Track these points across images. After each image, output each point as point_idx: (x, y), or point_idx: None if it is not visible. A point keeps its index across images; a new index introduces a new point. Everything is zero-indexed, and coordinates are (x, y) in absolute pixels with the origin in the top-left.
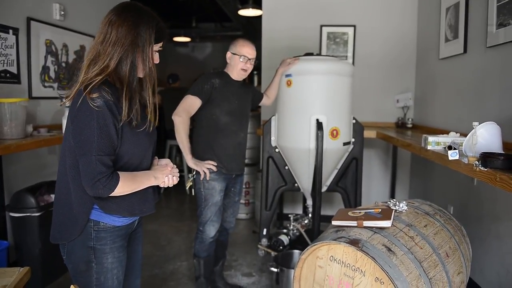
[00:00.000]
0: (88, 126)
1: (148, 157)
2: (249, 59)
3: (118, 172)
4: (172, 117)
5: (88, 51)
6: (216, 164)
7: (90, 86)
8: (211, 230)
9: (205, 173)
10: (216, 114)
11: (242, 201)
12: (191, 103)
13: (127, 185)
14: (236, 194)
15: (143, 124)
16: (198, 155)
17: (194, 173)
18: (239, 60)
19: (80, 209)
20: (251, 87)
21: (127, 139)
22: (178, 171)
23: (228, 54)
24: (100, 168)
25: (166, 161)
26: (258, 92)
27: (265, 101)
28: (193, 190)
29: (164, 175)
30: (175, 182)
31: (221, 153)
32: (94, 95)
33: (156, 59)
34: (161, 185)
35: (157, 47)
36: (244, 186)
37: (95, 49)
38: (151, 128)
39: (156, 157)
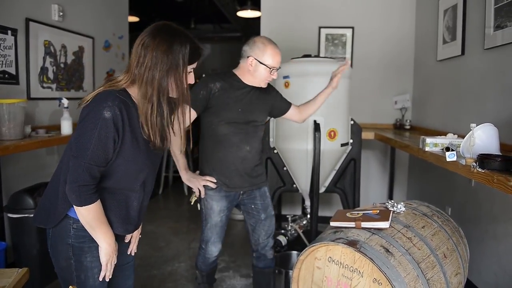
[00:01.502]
0: (89, 133)
1: (140, 180)
2: (277, 69)
3: (98, 200)
4: None
5: (126, 72)
6: (215, 181)
7: (108, 92)
8: (213, 251)
9: (200, 190)
10: (214, 124)
11: None
12: None
13: (91, 215)
14: (260, 211)
15: (159, 146)
16: (200, 168)
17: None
18: (267, 71)
19: (62, 202)
20: (273, 92)
21: (122, 156)
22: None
23: (251, 60)
24: (84, 176)
25: (135, 234)
26: (283, 101)
27: (294, 116)
28: (198, 205)
29: (107, 257)
30: (106, 274)
31: (220, 167)
32: (106, 105)
33: (191, 80)
34: (102, 261)
35: (189, 68)
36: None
37: (131, 71)
38: (166, 144)
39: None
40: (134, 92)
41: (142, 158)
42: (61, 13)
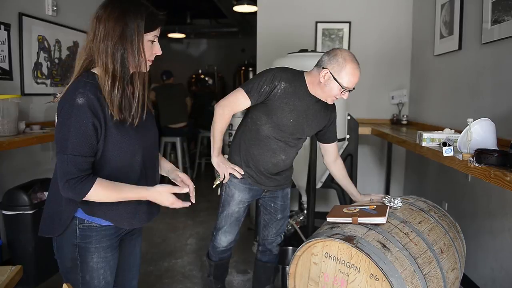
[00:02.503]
0: (66, 124)
1: (139, 162)
2: (350, 90)
3: (98, 178)
4: (214, 107)
5: (80, 49)
6: (242, 173)
7: (76, 81)
8: (222, 240)
9: (225, 176)
10: (261, 122)
11: None
12: (239, 101)
13: (104, 193)
14: (278, 211)
15: (132, 122)
16: (230, 152)
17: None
18: (338, 90)
19: (66, 208)
20: (332, 115)
21: (111, 142)
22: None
23: (325, 73)
24: (70, 168)
25: (184, 177)
26: (334, 131)
27: (327, 153)
28: (219, 189)
29: (168, 199)
30: (180, 205)
31: (250, 162)
32: (78, 92)
33: (157, 50)
34: (167, 205)
35: (150, 36)
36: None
37: (87, 47)
38: (135, 121)
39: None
40: (98, 71)
41: (132, 140)
42: (54, 8)
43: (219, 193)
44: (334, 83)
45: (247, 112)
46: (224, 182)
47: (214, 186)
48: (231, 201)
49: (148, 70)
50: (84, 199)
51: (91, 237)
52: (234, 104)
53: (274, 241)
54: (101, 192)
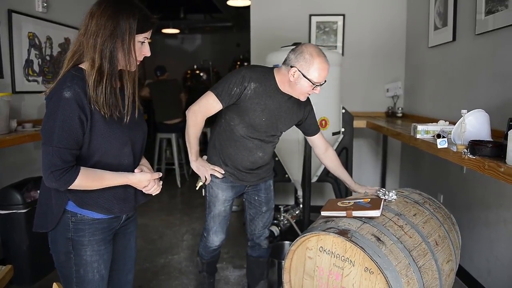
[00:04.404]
0: (53, 117)
1: (127, 154)
2: (321, 85)
3: (82, 167)
4: (186, 113)
5: (72, 44)
6: (223, 172)
7: (64, 75)
8: (214, 240)
9: (206, 178)
10: (234, 122)
11: None
12: (210, 105)
13: (88, 181)
14: (263, 203)
15: (121, 118)
16: (208, 153)
17: None
18: (309, 86)
19: (56, 201)
20: (306, 108)
21: (99, 134)
22: (161, 182)
23: (294, 71)
24: (55, 160)
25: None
26: (313, 124)
27: (316, 146)
28: (203, 190)
29: (146, 180)
30: (157, 191)
31: (229, 162)
32: (65, 86)
33: (146, 51)
34: (144, 190)
35: (141, 37)
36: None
37: (78, 42)
38: (127, 119)
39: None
40: (85, 66)
41: (120, 133)
42: (45, 4)
43: (203, 194)
44: (304, 80)
45: (220, 113)
46: (206, 183)
47: (197, 188)
48: (216, 201)
49: (136, 69)
50: (68, 188)
51: (84, 230)
52: (206, 108)
53: (262, 235)
54: (84, 181)
